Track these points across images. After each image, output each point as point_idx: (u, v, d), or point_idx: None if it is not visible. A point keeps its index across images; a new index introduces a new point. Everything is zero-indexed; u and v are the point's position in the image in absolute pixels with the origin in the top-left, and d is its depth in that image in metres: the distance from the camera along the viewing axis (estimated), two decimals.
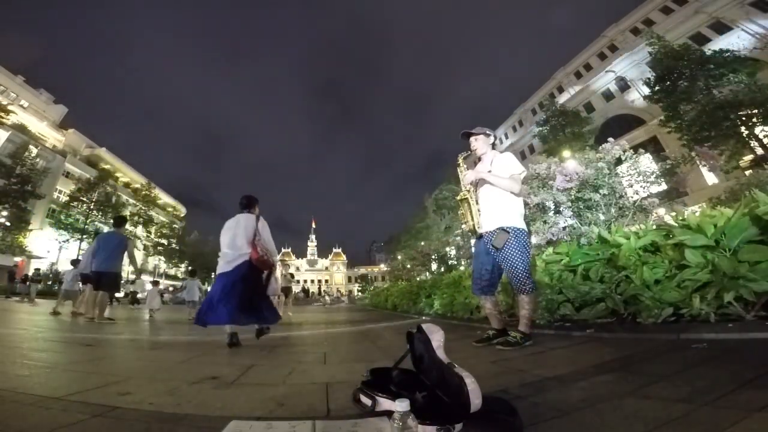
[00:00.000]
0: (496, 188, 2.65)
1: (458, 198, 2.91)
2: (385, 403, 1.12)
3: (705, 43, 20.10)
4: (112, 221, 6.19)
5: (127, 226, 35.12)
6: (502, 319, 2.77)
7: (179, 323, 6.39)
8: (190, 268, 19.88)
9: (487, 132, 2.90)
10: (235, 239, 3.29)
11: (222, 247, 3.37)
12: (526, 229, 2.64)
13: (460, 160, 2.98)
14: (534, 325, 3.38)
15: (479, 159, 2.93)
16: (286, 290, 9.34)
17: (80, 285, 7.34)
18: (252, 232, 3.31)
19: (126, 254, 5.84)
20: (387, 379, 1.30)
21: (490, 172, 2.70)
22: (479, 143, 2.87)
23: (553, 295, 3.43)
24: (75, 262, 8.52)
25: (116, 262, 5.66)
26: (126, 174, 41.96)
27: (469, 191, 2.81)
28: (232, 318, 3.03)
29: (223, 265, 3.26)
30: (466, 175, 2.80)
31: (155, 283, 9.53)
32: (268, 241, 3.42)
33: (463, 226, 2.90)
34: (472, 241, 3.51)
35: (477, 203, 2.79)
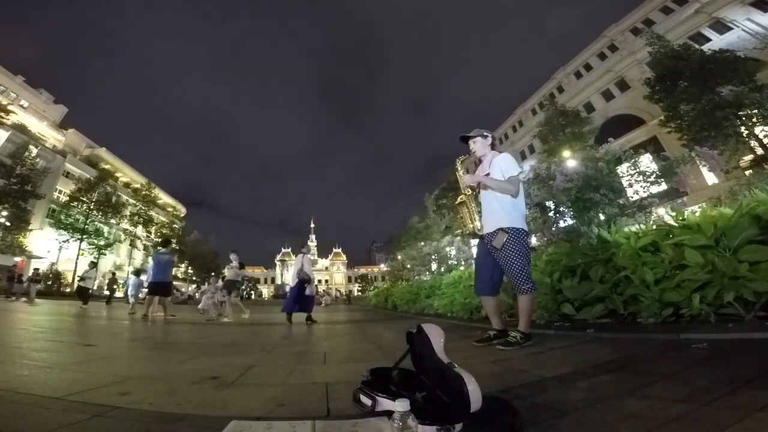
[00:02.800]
0: (495, 190, 2.67)
1: (456, 202, 2.94)
2: (385, 403, 1.12)
3: (705, 43, 20.09)
4: (160, 242, 8.47)
5: (127, 225, 35.21)
6: (503, 319, 2.77)
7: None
8: (213, 273, 23.57)
9: (485, 133, 2.91)
10: (295, 269, 6.51)
11: (291, 271, 6.86)
12: (526, 230, 2.64)
13: (458, 165, 3.03)
14: (534, 325, 3.39)
15: (480, 160, 2.95)
16: (230, 285, 7.56)
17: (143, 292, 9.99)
18: (300, 268, 6.44)
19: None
20: (387, 379, 1.30)
21: (488, 174, 2.72)
22: (477, 145, 2.90)
23: (553, 295, 3.44)
24: (137, 272, 10.53)
25: (168, 274, 7.58)
26: (126, 174, 41.92)
27: (467, 195, 2.84)
28: (293, 308, 6.20)
29: (291, 282, 6.61)
30: (464, 179, 2.84)
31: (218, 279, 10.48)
32: (308, 268, 6.48)
33: (463, 228, 2.93)
34: (472, 242, 3.56)
35: (478, 205, 2.82)
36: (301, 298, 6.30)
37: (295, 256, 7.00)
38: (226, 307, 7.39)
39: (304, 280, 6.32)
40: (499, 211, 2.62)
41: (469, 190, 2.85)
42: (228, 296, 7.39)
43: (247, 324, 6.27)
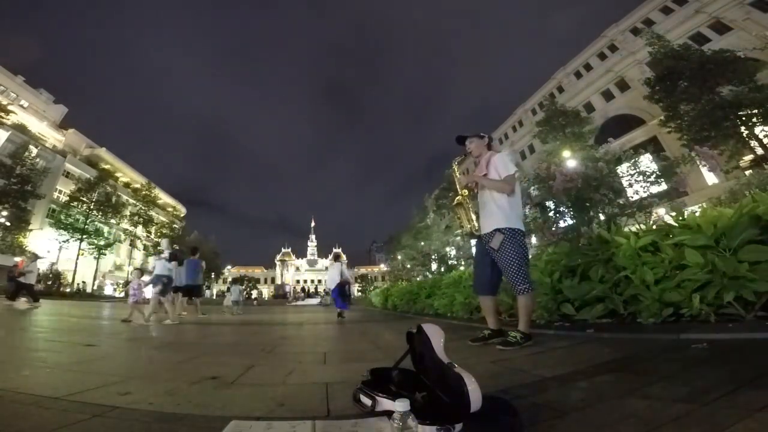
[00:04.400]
0: (492, 190, 2.69)
1: (454, 203, 2.97)
2: (385, 403, 1.12)
3: (705, 43, 20.08)
4: (190, 250, 9.37)
5: (127, 225, 35.21)
6: (501, 319, 2.78)
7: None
8: (231, 278, 24.70)
9: (481, 134, 2.94)
10: (335, 275, 7.75)
11: (329, 278, 8.10)
12: (523, 230, 2.65)
13: (455, 165, 3.05)
14: (534, 325, 3.39)
15: (477, 161, 2.96)
16: (157, 281, 6.22)
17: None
18: (339, 272, 7.72)
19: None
20: (387, 379, 1.30)
21: (485, 175, 2.74)
22: (474, 146, 2.93)
23: (553, 295, 3.44)
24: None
25: (198, 278, 8.49)
26: (126, 174, 41.91)
27: (464, 196, 2.85)
28: (341, 305, 7.35)
29: (331, 285, 7.85)
30: (460, 180, 2.86)
31: (233, 282, 10.58)
32: (347, 274, 7.90)
33: (460, 228, 2.97)
34: (473, 242, 3.55)
35: (476, 206, 2.84)
36: (344, 296, 7.66)
37: (336, 262, 8.77)
38: (166, 306, 6.10)
39: (348, 283, 8.00)
40: (496, 212, 2.63)
41: (466, 190, 2.86)
42: (156, 295, 5.96)
43: (247, 324, 6.27)
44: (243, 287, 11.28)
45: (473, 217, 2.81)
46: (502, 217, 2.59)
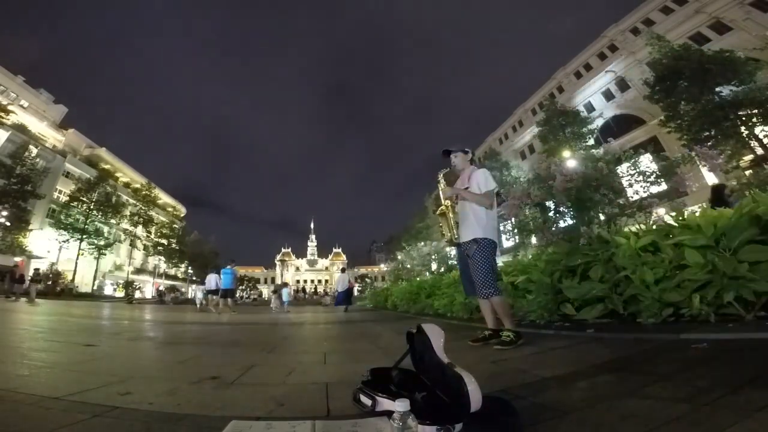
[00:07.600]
0: (471, 203, 2.85)
1: (437, 212, 3.12)
2: (385, 403, 1.12)
3: (705, 43, 20.07)
4: (231, 261, 12.07)
5: (127, 225, 35.15)
6: (499, 319, 2.82)
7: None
8: (279, 282, 27.87)
9: (465, 149, 3.13)
10: (344, 282, 12.13)
11: (338, 283, 12.49)
12: (494, 241, 2.81)
13: (440, 177, 3.17)
14: (534, 325, 3.41)
15: (460, 174, 3.13)
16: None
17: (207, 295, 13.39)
18: (347, 281, 12.26)
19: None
20: (387, 379, 1.30)
21: (467, 188, 2.91)
22: (458, 160, 3.11)
23: (553, 295, 3.44)
24: (202, 283, 13.86)
25: (233, 283, 11.25)
26: (126, 174, 41.87)
27: (447, 206, 3.00)
28: (343, 303, 11.84)
29: (339, 289, 12.29)
30: (445, 191, 3.01)
31: (282, 285, 13.11)
32: (352, 282, 13.89)
33: (442, 236, 3.12)
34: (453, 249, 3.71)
35: (456, 215, 2.99)
36: (348, 297, 11.93)
37: (343, 273, 12.86)
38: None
39: (353, 288, 9.30)
40: (473, 223, 2.81)
41: (449, 201, 3.01)
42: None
43: (248, 324, 6.27)
44: (292, 289, 14.78)
45: (454, 226, 2.96)
46: (479, 228, 2.77)
